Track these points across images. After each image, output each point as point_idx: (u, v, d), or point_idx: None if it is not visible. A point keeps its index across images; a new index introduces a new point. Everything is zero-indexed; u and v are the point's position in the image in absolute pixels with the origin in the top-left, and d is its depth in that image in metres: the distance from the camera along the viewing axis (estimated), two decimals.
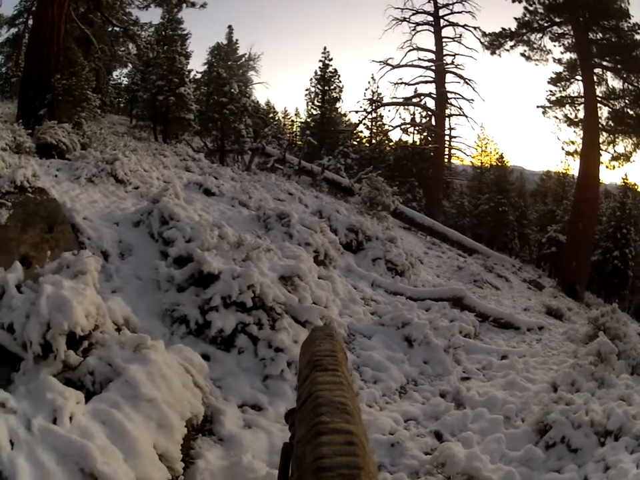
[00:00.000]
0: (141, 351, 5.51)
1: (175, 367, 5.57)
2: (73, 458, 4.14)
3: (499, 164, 47.00)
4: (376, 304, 12.35)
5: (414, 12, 44.02)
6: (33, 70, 19.14)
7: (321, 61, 46.07)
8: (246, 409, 6.73)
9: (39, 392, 4.69)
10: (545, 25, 33.67)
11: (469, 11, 42.32)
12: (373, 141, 47.37)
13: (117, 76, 46.14)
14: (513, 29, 34.62)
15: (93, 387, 5.22)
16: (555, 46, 34.44)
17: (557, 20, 33.11)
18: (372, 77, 47.29)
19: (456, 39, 43.93)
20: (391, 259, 15.42)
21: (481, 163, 49.04)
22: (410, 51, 44.77)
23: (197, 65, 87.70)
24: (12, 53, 43.53)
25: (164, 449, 4.77)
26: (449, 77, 45.00)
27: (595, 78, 32.81)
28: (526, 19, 33.94)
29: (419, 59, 45.37)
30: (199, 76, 40.17)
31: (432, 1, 43.99)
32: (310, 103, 47.06)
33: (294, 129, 57.37)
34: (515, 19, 34.17)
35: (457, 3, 43.18)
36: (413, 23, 44.31)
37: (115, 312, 6.38)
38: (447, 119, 46.08)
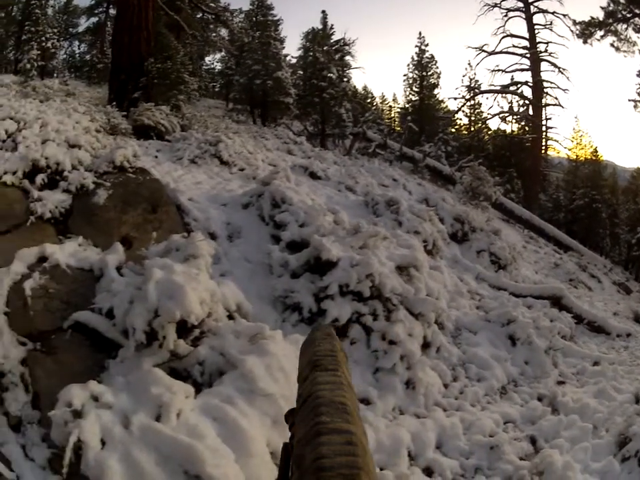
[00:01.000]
0: (259, 341, 5.26)
1: (292, 358, 5.19)
2: (177, 459, 4.00)
3: (593, 158, 44.92)
4: (480, 298, 12.02)
5: None
6: (122, 54, 19.46)
7: (417, 46, 45.44)
8: None
9: (141, 385, 4.55)
10: (628, 15, 32.05)
11: None
12: (472, 129, 46.23)
13: (209, 61, 47.28)
14: (601, 19, 33.03)
15: (201, 378, 5.12)
16: (639, 37, 32.71)
17: (637, 11, 31.45)
18: (469, 64, 46.39)
19: (547, 27, 42.16)
20: (495, 252, 15.00)
21: (576, 156, 47.00)
22: (504, 37, 43.14)
23: (289, 50, 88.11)
24: (95, 40, 45.10)
25: (276, 447, 4.51)
26: (543, 66, 43.21)
27: None
28: (610, 8, 32.47)
29: (514, 46, 43.80)
30: (294, 61, 40.19)
31: None
32: (408, 89, 46.44)
33: (392, 115, 56.58)
34: (601, 7, 32.72)
35: None
36: (505, 9, 42.55)
37: (228, 298, 6.15)
38: (543, 108, 44.47)
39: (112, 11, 42.73)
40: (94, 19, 45.93)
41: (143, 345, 5.00)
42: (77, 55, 48.92)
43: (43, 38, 30.55)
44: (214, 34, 32.36)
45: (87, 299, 5.92)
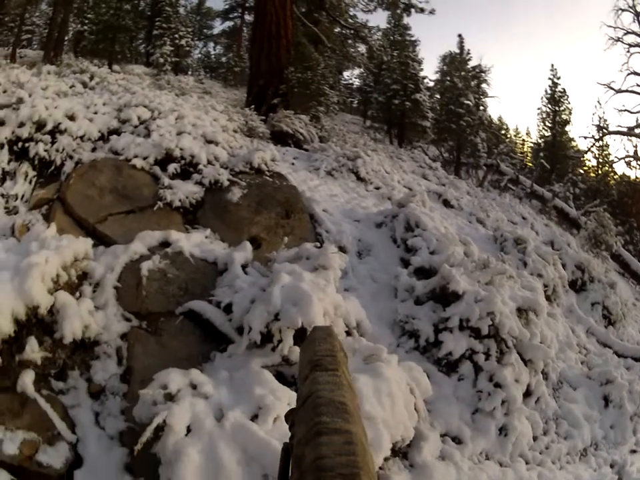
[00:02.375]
0: (374, 362, 5.27)
1: (402, 385, 5.29)
2: (261, 462, 3.98)
3: None
4: (587, 353, 11.55)
5: (625, 32, 40.82)
6: (261, 60, 19.96)
7: (549, 79, 43.68)
8: (446, 439, 6.46)
9: (246, 383, 4.66)
10: None
11: None
12: (599, 172, 44.73)
13: (347, 76, 47.74)
14: None
15: None
16: None
17: None
18: (598, 101, 44.67)
19: None
20: (608, 306, 14.20)
21: None
22: (629, 74, 41.35)
23: (426, 72, 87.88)
24: (231, 44, 46.29)
25: None
26: None
27: None
28: None
29: (637, 85, 42.04)
30: (431, 84, 40.14)
31: (637, 21, 40.60)
32: (541, 124, 45.17)
33: (524, 149, 55.49)
34: None
35: None
36: (626, 44, 40.89)
37: (350, 314, 6.21)
38: None
39: (247, 17, 44.28)
40: (229, 23, 47.58)
41: (255, 344, 5.12)
42: (213, 56, 50.51)
43: (176, 35, 31.54)
44: (352, 49, 32.41)
45: (205, 290, 6.14)
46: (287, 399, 4.39)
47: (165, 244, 6.66)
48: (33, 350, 4.80)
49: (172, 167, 8.23)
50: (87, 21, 29.69)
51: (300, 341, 5.17)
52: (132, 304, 5.85)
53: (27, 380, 4.64)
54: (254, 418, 4.21)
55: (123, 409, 4.83)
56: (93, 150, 8.69)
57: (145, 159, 8.28)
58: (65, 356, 5.07)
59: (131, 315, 5.74)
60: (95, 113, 9.75)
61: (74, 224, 7.19)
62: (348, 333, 5.95)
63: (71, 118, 8.92)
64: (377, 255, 9.22)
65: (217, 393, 4.35)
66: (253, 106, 17.21)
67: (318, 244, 6.79)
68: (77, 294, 5.51)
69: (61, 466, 4.41)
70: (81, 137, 8.76)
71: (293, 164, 12.99)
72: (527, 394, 7.80)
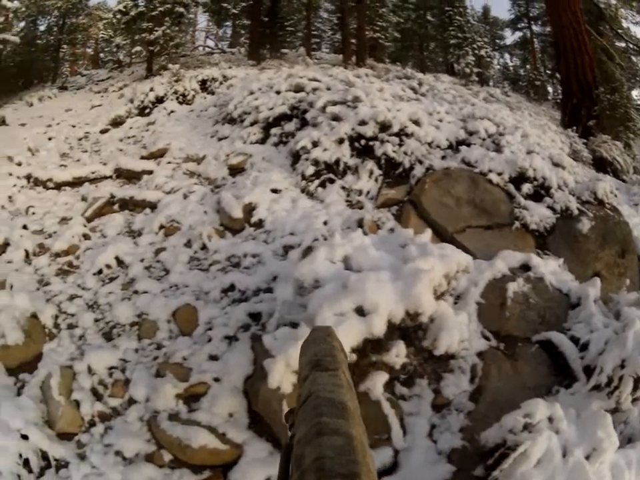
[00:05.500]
0: None
1: None
2: None
3: None
4: None
5: None
6: (570, 78, 18.88)
7: None
8: None
9: (589, 424, 4.38)
10: None
11: None
12: None
13: (636, 96, 44.41)
14: None
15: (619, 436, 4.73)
16: None
17: None
18: None
19: None
20: None
21: None
22: None
23: None
24: (525, 56, 44.76)
25: None
26: None
27: None
28: None
29: None
30: None
31: None
32: None
33: None
34: None
35: None
36: None
37: None
38: None
39: (535, 27, 42.20)
40: (519, 33, 46.12)
41: (597, 387, 4.98)
42: (511, 67, 49.30)
43: (474, 45, 31.16)
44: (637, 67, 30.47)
45: (558, 321, 5.99)
46: (615, 445, 4.24)
47: (524, 267, 6.54)
48: (399, 354, 4.90)
49: (526, 187, 8.07)
50: (377, 28, 30.37)
51: (634, 390, 4.97)
52: (492, 323, 5.79)
53: (378, 382, 4.74)
54: (587, 457, 4.10)
55: (463, 427, 4.72)
56: (443, 158, 8.73)
57: (499, 174, 8.19)
58: (417, 363, 5.08)
59: (490, 334, 5.69)
60: (440, 120, 9.85)
61: (428, 229, 7.10)
62: None
63: (416, 123, 9.11)
64: None
65: (567, 429, 4.27)
66: (574, 127, 16.46)
67: None
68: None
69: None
70: (429, 143, 8.87)
71: (615, 195, 12.15)
72: None
